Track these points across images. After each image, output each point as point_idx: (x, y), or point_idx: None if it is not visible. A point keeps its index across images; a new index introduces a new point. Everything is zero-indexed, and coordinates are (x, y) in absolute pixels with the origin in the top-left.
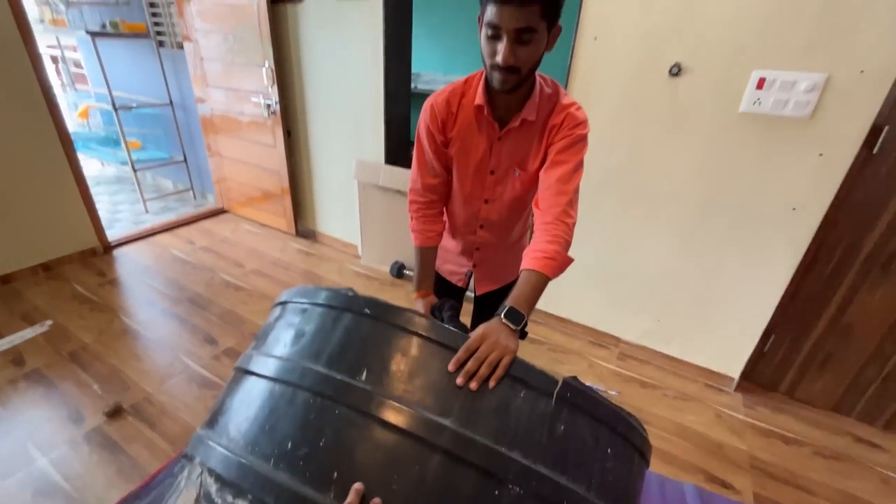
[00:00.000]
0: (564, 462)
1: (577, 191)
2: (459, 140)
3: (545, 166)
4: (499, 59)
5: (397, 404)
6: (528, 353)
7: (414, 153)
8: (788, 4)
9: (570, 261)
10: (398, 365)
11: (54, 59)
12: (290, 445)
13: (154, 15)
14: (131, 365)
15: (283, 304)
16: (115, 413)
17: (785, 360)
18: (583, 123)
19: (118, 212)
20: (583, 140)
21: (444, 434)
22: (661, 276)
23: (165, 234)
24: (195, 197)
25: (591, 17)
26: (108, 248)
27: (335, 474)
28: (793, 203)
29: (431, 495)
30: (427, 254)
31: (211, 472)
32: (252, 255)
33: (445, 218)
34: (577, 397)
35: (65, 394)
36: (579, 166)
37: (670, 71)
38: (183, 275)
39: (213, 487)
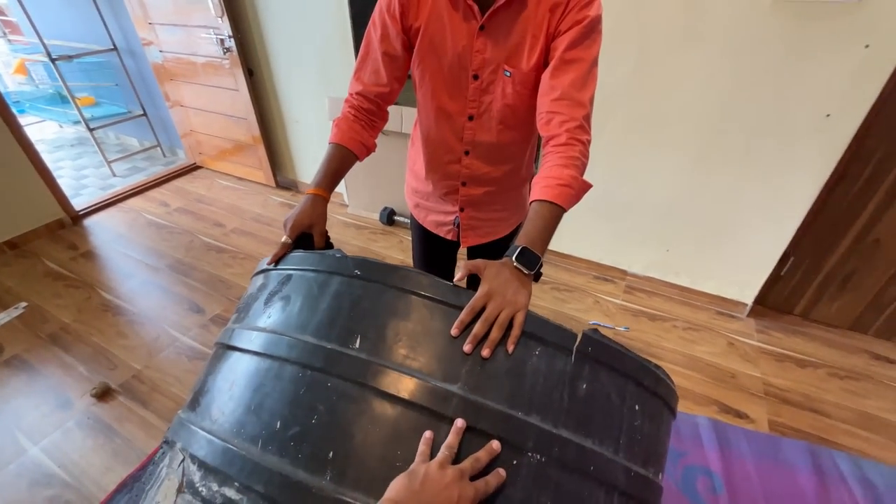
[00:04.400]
0: (589, 424)
1: (593, 100)
2: (427, 33)
3: (550, 68)
4: None
5: (396, 372)
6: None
7: (360, 47)
8: None
9: (588, 187)
10: (395, 329)
11: None
12: (279, 425)
13: None
14: (116, 342)
15: (266, 272)
16: (103, 394)
17: (802, 281)
18: (595, 2)
19: (84, 177)
20: (597, 26)
21: (452, 402)
22: (669, 204)
23: (136, 197)
24: (164, 154)
25: None
26: (75, 217)
27: (331, 454)
28: (827, 109)
29: None
30: (338, 153)
31: (193, 458)
32: (232, 212)
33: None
34: (599, 352)
35: (49, 378)
36: (595, 64)
37: None
38: (160, 240)
39: (196, 475)
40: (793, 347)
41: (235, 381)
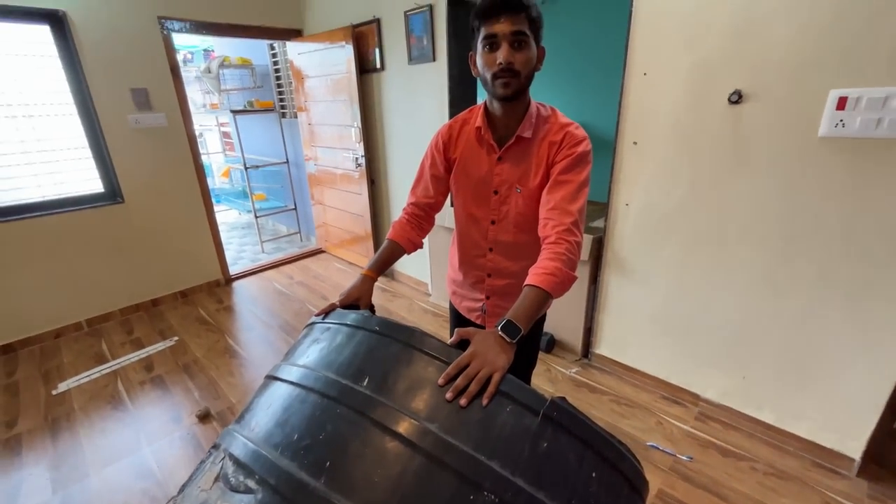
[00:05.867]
0: (544, 478)
1: (581, 211)
2: (461, 162)
3: (548, 186)
4: (500, 60)
5: (389, 407)
6: (587, 402)
7: (416, 173)
8: (865, 12)
9: (573, 278)
10: (396, 374)
11: (225, 135)
12: (295, 437)
13: (279, 93)
14: (225, 378)
15: (312, 324)
16: (204, 417)
17: None
18: (583, 141)
19: (243, 251)
20: (585, 158)
21: (428, 438)
22: (739, 325)
23: (272, 270)
24: (301, 239)
25: (640, 52)
26: (228, 280)
27: (328, 463)
28: None
29: (410, 492)
30: (390, 246)
31: (231, 456)
32: (337, 289)
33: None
34: (563, 417)
35: (174, 396)
36: (584, 185)
37: (730, 99)
38: (278, 304)
39: (230, 469)
40: None
41: (272, 403)
